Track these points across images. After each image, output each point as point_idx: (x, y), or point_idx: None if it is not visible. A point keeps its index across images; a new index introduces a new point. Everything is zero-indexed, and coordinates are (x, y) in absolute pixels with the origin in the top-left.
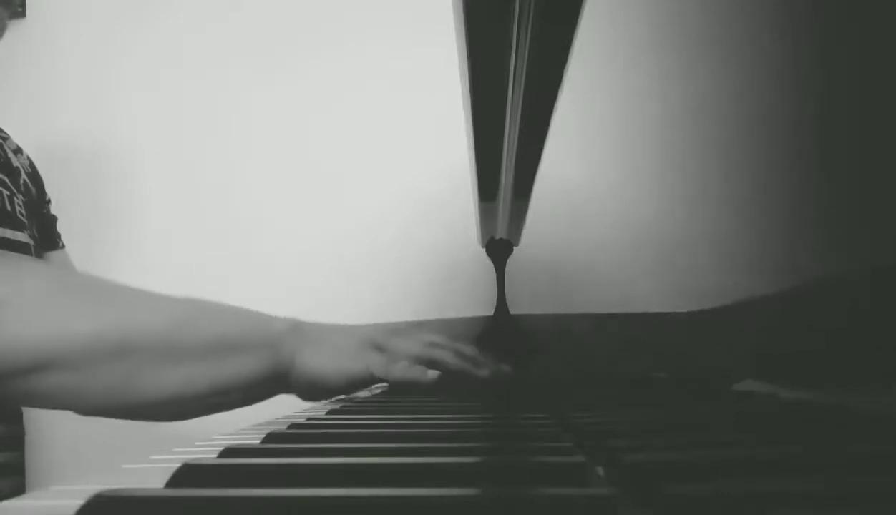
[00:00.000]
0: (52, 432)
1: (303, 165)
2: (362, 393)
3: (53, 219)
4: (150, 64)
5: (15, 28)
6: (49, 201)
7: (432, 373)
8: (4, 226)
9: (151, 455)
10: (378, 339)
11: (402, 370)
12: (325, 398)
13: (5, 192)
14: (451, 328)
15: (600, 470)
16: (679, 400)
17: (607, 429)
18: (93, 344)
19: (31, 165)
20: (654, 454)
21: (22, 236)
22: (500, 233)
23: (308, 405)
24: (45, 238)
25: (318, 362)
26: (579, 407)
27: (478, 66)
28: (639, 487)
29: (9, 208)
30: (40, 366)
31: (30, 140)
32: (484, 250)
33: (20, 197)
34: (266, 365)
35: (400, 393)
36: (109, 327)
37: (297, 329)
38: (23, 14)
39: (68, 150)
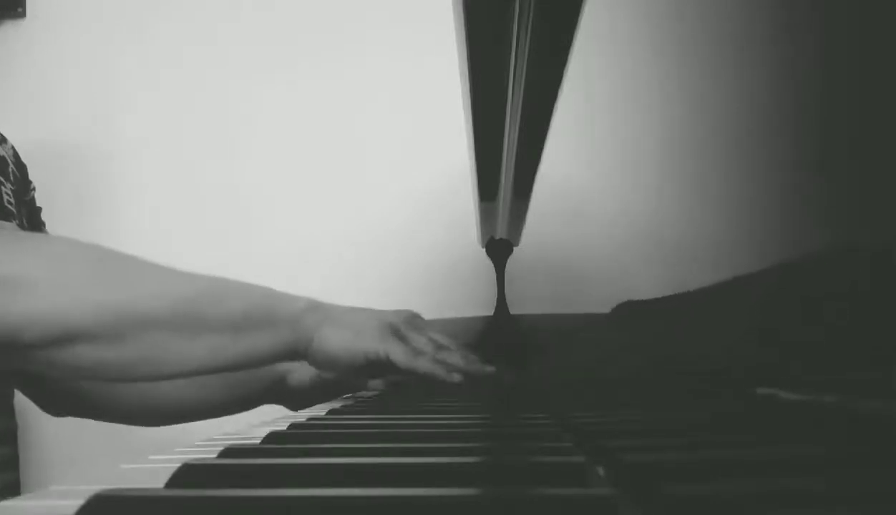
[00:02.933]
0: (52, 432)
1: (303, 165)
2: (363, 393)
3: (38, 209)
4: (150, 64)
5: (15, 28)
6: (34, 189)
7: (457, 376)
8: None
9: (151, 455)
10: (398, 327)
11: (428, 365)
12: (342, 374)
13: None
14: (451, 328)
15: (600, 470)
16: (679, 399)
17: (607, 429)
18: (120, 317)
19: (15, 154)
20: (654, 454)
21: (10, 227)
22: (500, 233)
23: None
24: (31, 226)
25: (338, 340)
26: (579, 407)
27: (478, 66)
28: (639, 487)
29: None
30: (69, 338)
31: (29, 140)
32: (484, 250)
33: (9, 185)
34: (286, 340)
35: (400, 392)
36: (137, 300)
37: (317, 308)
38: (23, 14)
39: (68, 150)
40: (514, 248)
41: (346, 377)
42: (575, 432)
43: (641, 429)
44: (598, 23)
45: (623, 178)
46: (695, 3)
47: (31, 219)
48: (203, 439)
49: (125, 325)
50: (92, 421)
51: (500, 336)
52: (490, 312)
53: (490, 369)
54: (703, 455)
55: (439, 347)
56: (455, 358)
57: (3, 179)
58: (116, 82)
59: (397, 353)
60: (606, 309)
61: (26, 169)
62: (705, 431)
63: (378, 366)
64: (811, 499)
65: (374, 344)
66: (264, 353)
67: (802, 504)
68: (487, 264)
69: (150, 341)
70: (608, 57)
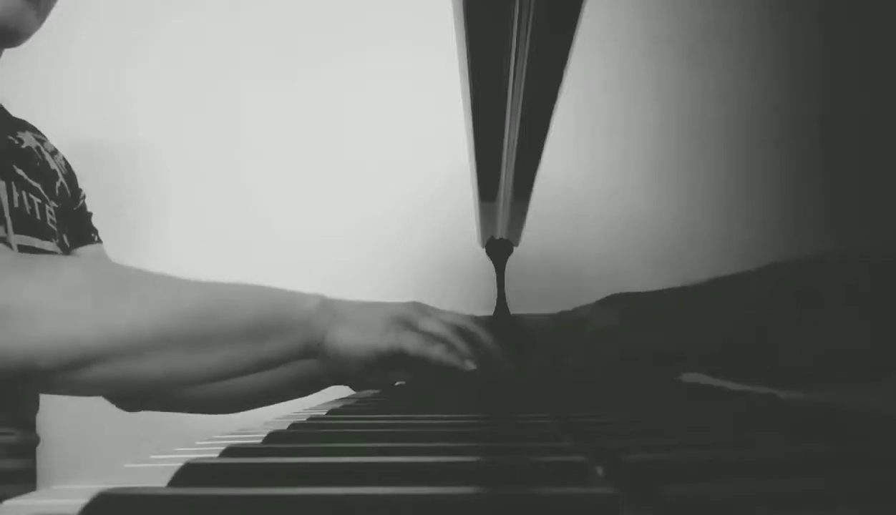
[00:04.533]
0: (55, 433)
1: (304, 166)
2: (364, 392)
3: (88, 214)
4: (151, 64)
5: None
6: (84, 197)
7: (470, 364)
8: (32, 234)
9: (153, 454)
10: (409, 317)
11: (442, 352)
12: (355, 372)
13: (36, 200)
14: (464, 319)
15: (600, 470)
16: (679, 400)
17: (607, 429)
18: (133, 338)
19: (67, 166)
20: (654, 454)
21: (50, 245)
22: (500, 233)
23: (308, 405)
24: (79, 233)
25: (349, 339)
26: (579, 407)
27: (478, 66)
28: (639, 487)
29: (38, 217)
30: (85, 361)
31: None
32: (484, 250)
33: (52, 204)
34: (299, 343)
35: (400, 392)
36: (149, 319)
37: (328, 306)
38: None
39: (67, 151)
40: (514, 248)
41: (360, 374)
42: (575, 432)
43: (641, 429)
44: (598, 23)
45: (623, 178)
46: (694, 4)
47: (80, 229)
48: (205, 439)
49: (141, 345)
50: (109, 431)
51: (500, 336)
52: (490, 312)
53: (502, 369)
54: (703, 455)
55: (457, 329)
56: (465, 348)
57: (48, 197)
58: (116, 83)
59: (411, 342)
60: None
61: (76, 178)
62: (705, 431)
63: (392, 360)
64: (811, 499)
65: (386, 338)
66: (278, 356)
67: (802, 504)
68: (487, 264)
69: (166, 357)
70: (608, 57)
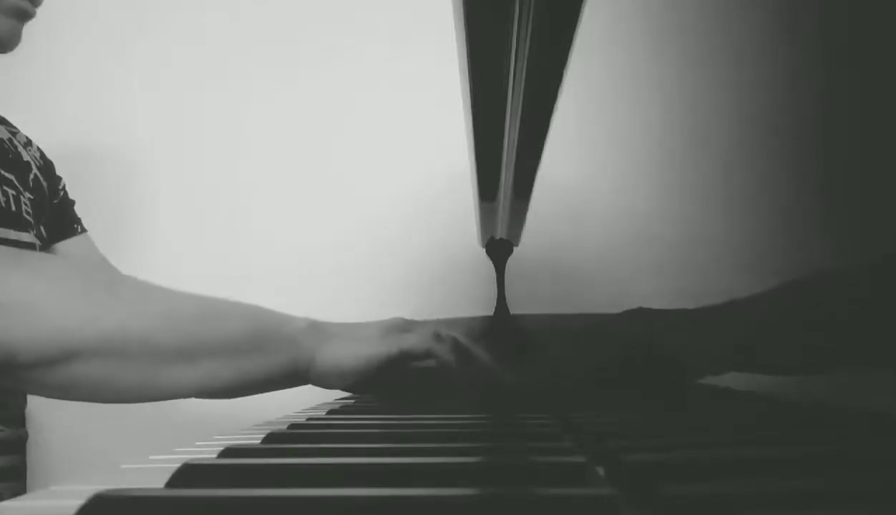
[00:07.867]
0: (52, 433)
1: (303, 166)
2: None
3: (70, 203)
4: (150, 65)
5: None
6: (64, 186)
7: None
8: (8, 226)
9: (151, 455)
10: (403, 325)
11: (447, 351)
12: (352, 385)
13: (10, 192)
14: (451, 328)
15: (600, 470)
16: (680, 400)
17: (607, 429)
18: (119, 338)
19: (42, 156)
20: (655, 454)
21: (27, 236)
22: (500, 233)
23: (307, 405)
24: (61, 225)
25: (344, 351)
26: (579, 407)
27: (478, 66)
28: (639, 487)
29: (13, 208)
30: (66, 356)
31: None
32: (484, 250)
33: (27, 195)
34: (286, 361)
35: (397, 394)
36: (138, 320)
37: (317, 327)
38: None
39: (65, 152)
40: (514, 248)
41: (358, 386)
42: (575, 432)
43: (641, 429)
44: (598, 23)
45: (623, 178)
46: (695, 3)
47: (62, 220)
48: (203, 439)
49: (127, 345)
50: (100, 427)
51: (500, 336)
52: (490, 312)
53: (494, 383)
54: (703, 455)
55: (455, 345)
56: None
57: (22, 189)
58: (116, 84)
59: (413, 341)
60: (606, 310)
61: (53, 167)
62: (705, 431)
63: (389, 368)
64: (811, 499)
65: (382, 346)
66: (263, 376)
67: (802, 504)
68: (487, 264)
69: (150, 363)
70: (608, 56)
